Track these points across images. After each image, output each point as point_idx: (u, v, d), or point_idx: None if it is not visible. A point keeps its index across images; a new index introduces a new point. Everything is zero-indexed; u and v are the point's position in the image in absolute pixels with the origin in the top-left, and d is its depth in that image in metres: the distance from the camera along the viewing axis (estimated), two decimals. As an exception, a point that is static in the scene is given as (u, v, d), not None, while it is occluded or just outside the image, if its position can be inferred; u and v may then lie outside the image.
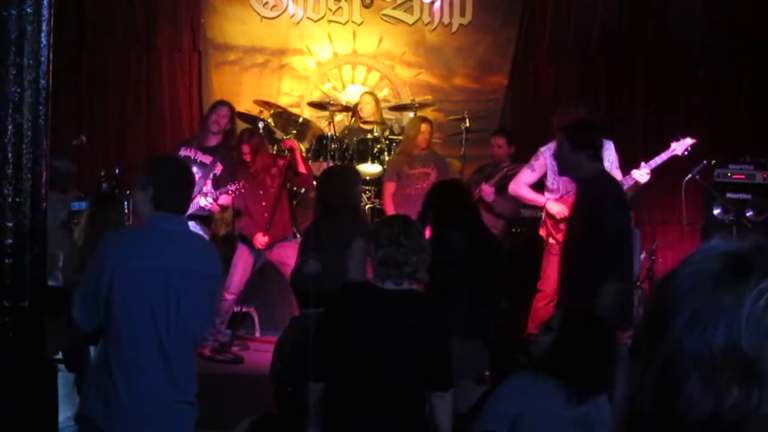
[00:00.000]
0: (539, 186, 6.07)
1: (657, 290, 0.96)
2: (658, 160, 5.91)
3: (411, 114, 7.86)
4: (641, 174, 5.79)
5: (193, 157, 6.42)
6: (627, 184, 5.91)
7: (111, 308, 3.18)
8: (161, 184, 3.30)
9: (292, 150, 6.58)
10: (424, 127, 7.10)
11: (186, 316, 3.29)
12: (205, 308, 3.43)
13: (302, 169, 6.54)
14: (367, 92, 8.06)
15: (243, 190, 6.17)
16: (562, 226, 5.90)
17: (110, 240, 3.36)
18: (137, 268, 3.21)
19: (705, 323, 0.88)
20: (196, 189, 6.33)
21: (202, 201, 6.20)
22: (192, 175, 3.63)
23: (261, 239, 6.27)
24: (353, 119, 7.96)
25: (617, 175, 5.99)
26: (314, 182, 6.44)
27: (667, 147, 5.93)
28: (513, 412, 3.13)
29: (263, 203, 6.38)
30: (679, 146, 5.91)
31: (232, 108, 6.67)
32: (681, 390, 0.87)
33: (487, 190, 6.82)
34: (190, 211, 6.22)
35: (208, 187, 6.36)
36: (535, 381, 3.21)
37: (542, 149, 6.03)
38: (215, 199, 6.23)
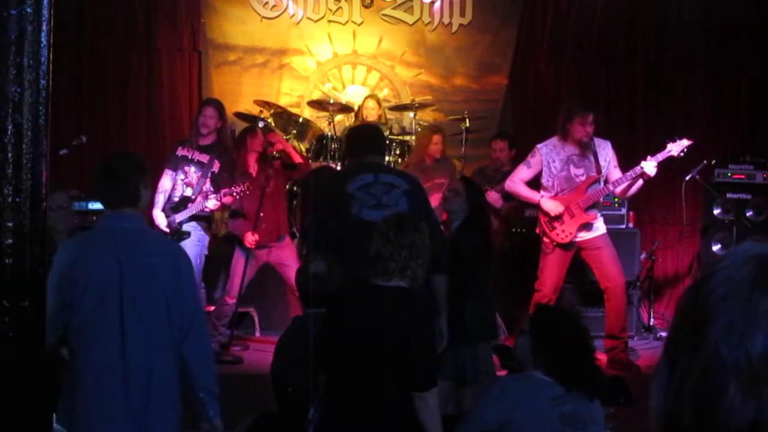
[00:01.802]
0: (536, 183, 6.08)
1: (689, 298, 0.94)
2: (654, 160, 5.91)
3: (411, 114, 7.85)
4: (649, 166, 5.78)
5: (190, 157, 6.41)
6: (626, 181, 5.91)
7: (76, 318, 3.07)
8: (95, 180, 3.34)
9: (274, 144, 6.52)
10: (436, 138, 6.93)
11: (149, 313, 3.17)
12: (181, 301, 3.24)
13: (298, 159, 6.51)
14: (369, 96, 7.99)
15: (248, 192, 6.15)
16: (555, 224, 5.92)
17: (65, 248, 3.27)
18: (94, 272, 3.11)
19: (742, 331, 0.87)
20: (196, 188, 6.33)
21: (209, 203, 6.18)
22: (126, 168, 3.32)
23: (250, 238, 6.25)
24: (356, 121, 7.92)
25: (615, 173, 6.00)
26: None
27: (663, 148, 5.93)
28: (498, 419, 3.09)
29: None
30: (676, 147, 5.90)
31: (219, 105, 6.57)
32: (721, 399, 0.86)
33: (494, 196, 6.69)
34: (193, 211, 6.23)
35: (207, 185, 6.35)
36: (518, 384, 3.20)
37: (539, 146, 6.05)
38: (219, 200, 6.21)
